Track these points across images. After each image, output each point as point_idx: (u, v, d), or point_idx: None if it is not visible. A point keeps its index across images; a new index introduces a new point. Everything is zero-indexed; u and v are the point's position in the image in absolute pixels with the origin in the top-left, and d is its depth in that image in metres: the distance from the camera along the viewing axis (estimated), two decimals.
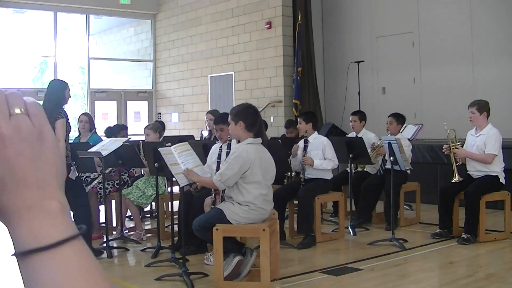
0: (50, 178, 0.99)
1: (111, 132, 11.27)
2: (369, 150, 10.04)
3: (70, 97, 8.36)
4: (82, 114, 11.08)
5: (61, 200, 1.00)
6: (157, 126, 10.26)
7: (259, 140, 6.93)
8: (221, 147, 8.09)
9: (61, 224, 0.98)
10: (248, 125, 6.84)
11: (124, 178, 10.27)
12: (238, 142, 7.09)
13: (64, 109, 8.16)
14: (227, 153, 7.58)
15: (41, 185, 0.98)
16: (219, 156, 7.88)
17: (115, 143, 8.84)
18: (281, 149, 9.47)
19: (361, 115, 11.17)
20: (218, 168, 7.67)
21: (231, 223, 6.75)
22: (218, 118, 8.46)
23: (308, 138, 9.45)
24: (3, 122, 0.96)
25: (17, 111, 0.98)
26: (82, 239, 0.99)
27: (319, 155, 9.26)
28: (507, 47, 13.73)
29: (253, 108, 7.11)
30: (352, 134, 11.18)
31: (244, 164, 6.70)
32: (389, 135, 10.08)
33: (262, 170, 6.80)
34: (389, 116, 10.58)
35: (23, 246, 0.95)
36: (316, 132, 9.62)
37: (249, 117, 6.87)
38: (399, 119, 10.50)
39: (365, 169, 10.54)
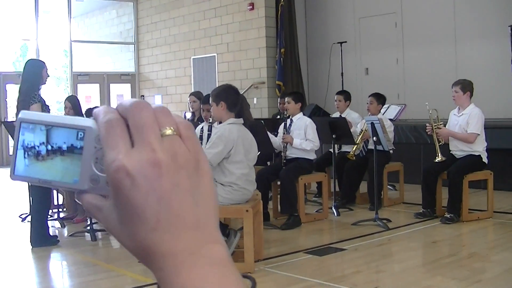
0: (208, 216, 0.82)
1: (90, 114, 11.13)
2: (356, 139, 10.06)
3: (49, 76, 8.24)
4: (66, 99, 10.87)
5: (224, 244, 0.83)
6: None
7: (241, 120, 6.96)
8: (202, 128, 8.07)
9: (231, 275, 0.80)
10: (230, 105, 6.86)
11: None
12: (220, 123, 7.09)
13: (40, 94, 8.05)
14: (208, 135, 7.56)
15: (201, 224, 0.81)
16: (201, 138, 7.86)
17: None
18: (264, 130, 9.45)
19: (346, 95, 11.18)
20: None
21: None
22: (206, 98, 8.43)
23: (293, 118, 9.48)
24: (157, 145, 0.79)
25: (169, 132, 0.81)
26: None
27: (301, 135, 9.27)
28: (490, 27, 13.73)
29: (233, 88, 7.12)
30: (336, 114, 11.19)
31: (227, 143, 6.71)
32: (369, 115, 10.10)
33: (244, 150, 6.83)
34: (369, 96, 10.59)
35: None
36: (301, 113, 9.65)
37: (230, 97, 6.90)
38: (380, 99, 10.50)
39: (353, 157, 10.39)
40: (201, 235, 0.80)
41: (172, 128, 0.81)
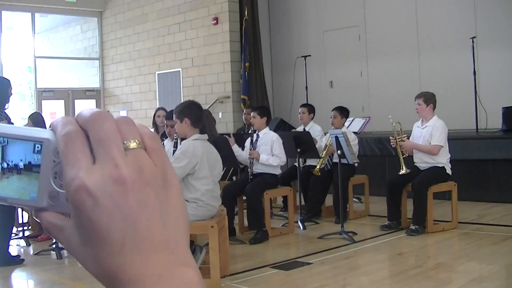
0: (178, 236, 0.75)
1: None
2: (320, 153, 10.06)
3: (12, 95, 8.18)
4: (29, 117, 10.73)
5: (195, 267, 0.75)
6: None
7: (205, 136, 6.97)
8: (163, 144, 8.03)
9: None
10: (194, 121, 6.87)
11: None
12: (183, 140, 7.09)
13: (6, 112, 7.99)
14: (174, 152, 7.56)
15: (171, 246, 0.73)
16: None
17: None
18: (228, 145, 9.45)
19: (310, 108, 11.21)
20: None
21: None
22: (170, 114, 8.43)
23: (259, 133, 9.48)
24: (121, 160, 0.72)
25: (133, 144, 0.74)
26: None
27: (267, 150, 9.28)
28: (452, 39, 13.87)
29: (196, 104, 7.14)
30: (300, 127, 11.23)
31: (192, 159, 6.72)
32: (333, 129, 10.12)
33: (209, 166, 6.84)
34: (332, 110, 10.61)
35: None
36: (268, 127, 9.65)
37: (194, 113, 6.91)
38: (343, 112, 10.54)
39: (318, 173, 10.33)
40: (170, 258, 0.73)
41: (136, 140, 0.75)
